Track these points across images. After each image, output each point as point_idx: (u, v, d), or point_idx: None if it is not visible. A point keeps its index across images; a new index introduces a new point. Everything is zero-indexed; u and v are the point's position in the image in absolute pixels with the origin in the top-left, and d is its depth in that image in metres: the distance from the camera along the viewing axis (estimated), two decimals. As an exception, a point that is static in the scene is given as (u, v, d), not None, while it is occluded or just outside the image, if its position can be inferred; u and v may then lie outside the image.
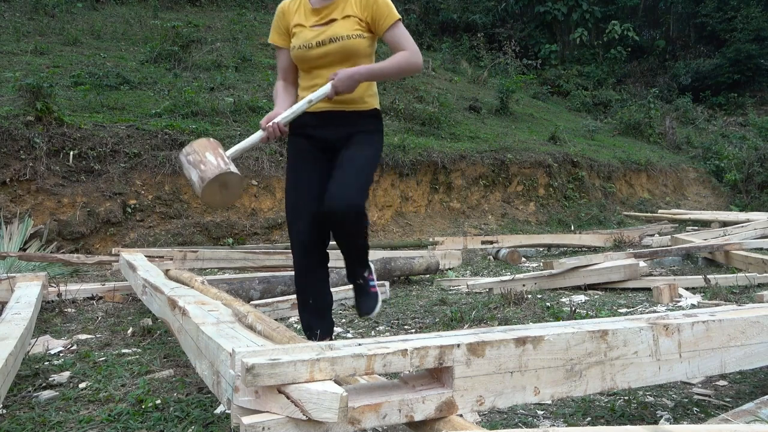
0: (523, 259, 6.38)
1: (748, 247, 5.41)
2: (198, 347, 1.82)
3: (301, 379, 1.15)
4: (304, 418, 1.13)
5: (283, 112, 2.24)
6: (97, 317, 3.51)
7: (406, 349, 1.25)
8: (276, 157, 7.26)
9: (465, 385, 1.30)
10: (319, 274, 2.38)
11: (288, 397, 1.14)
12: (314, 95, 2.23)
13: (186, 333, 2.03)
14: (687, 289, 4.18)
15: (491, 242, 6.96)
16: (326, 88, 2.22)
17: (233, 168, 2.09)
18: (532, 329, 1.51)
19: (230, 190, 2.12)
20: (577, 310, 3.50)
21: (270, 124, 2.20)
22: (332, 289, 4.12)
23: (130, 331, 3.14)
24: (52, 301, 3.72)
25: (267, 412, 1.15)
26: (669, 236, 7.00)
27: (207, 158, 2.07)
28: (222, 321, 1.93)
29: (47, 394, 2.17)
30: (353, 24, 2.27)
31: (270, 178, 7.15)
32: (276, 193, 7.13)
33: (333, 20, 2.25)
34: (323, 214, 2.21)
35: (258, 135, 2.21)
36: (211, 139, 2.18)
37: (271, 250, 5.28)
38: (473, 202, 9.03)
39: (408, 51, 2.26)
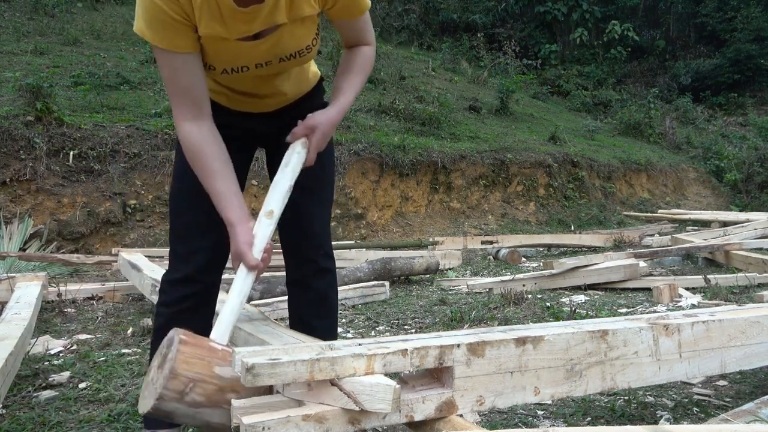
0: (523, 259, 6.38)
1: (748, 247, 5.41)
2: (234, 343, 1.82)
3: (302, 379, 1.16)
4: (357, 409, 1.16)
5: (250, 221, 1.50)
6: (97, 317, 3.51)
7: (406, 349, 1.25)
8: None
9: (465, 385, 1.30)
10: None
11: (341, 389, 1.16)
12: (293, 172, 1.53)
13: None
14: (687, 289, 4.18)
15: (491, 242, 6.96)
16: (300, 156, 1.55)
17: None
18: (532, 329, 1.51)
19: None
20: (577, 310, 3.50)
21: (260, 254, 1.49)
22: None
23: (130, 331, 3.14)
24: (52, 301, 3.72)
25: (321, 403, 1.18)
26: (669, 236, 7.00)
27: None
28: (253, 319, 1.95)
29: (47, 394, 2.17)
30: (311, 27, 1.54)
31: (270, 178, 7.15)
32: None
33: (278, 26, 1.49)
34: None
35: (249, 281, 1.51)
36: (186, 336, 1.23)
37: (271, 250, 5.27)
38: (473, 202, 9.03)
39: (372, 45, 1.67)
